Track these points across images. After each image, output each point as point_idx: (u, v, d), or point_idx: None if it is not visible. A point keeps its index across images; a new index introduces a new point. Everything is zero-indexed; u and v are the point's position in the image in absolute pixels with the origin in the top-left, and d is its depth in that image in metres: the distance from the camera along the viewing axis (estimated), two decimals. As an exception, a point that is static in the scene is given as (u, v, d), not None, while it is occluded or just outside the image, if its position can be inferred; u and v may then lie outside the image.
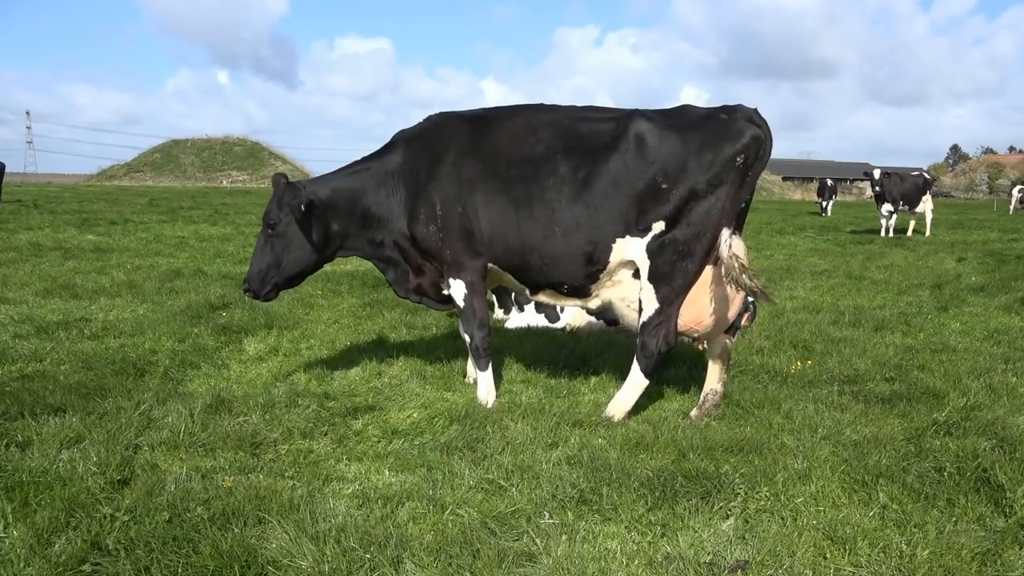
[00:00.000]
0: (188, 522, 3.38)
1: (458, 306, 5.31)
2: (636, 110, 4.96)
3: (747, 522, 3.52)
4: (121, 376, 5.67)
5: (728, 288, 4.86)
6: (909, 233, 21.66)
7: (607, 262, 4.89)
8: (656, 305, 4.82)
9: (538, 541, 3.29)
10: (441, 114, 5.45)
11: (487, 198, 4.99)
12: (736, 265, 4.61)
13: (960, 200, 67.38)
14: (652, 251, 4.75)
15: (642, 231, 4.76)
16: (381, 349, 6.75)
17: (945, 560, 3.12)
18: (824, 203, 35.39)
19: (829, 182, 36.83)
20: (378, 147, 5.60)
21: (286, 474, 4.06)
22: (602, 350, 6.66)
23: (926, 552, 3.17)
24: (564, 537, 3.34)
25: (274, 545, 3.20)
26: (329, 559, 3.09)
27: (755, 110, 4.78)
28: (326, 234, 5.36)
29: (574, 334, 7.60)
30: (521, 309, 8.16)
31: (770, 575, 3.09)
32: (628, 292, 5.01)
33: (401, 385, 5.73)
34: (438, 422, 4.85)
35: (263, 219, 5.31)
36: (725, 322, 5.06)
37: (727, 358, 5.23)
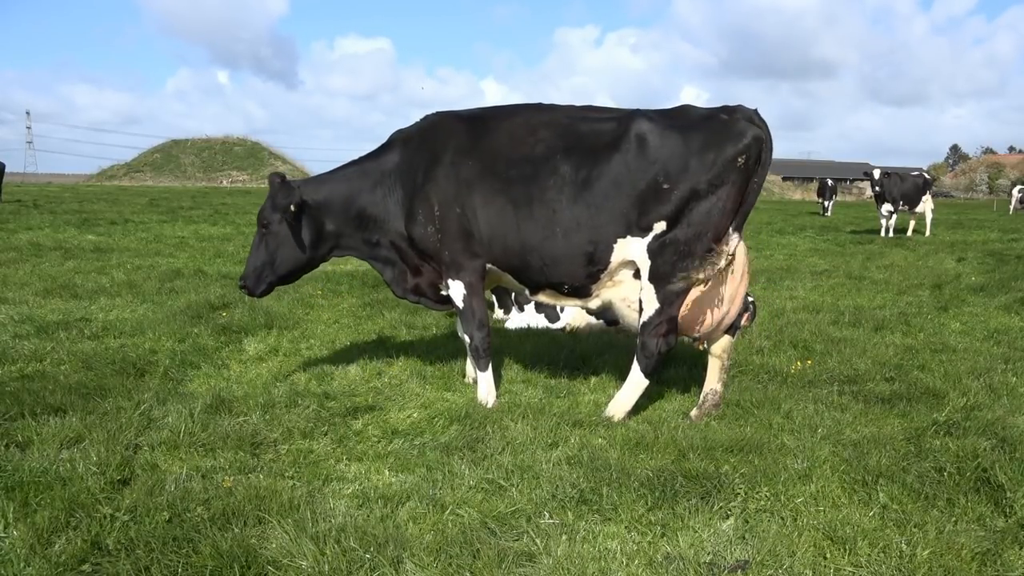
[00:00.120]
0: (188, 522, 3.38)
1: (457, 307, 5.31)
2: (637, 110, 4.96)
3: (747, 522, 3.52)
4: (121, 376, 5.67)
5: (729, 288, 4.87)
6: (909, 233, 21.67)
7: (608, 262, 4.89)
8: (656, 305, 4.81)
9: (538, 541, 3.29)
10: (438, 113, 5.43)
11: (486, 198, 4.98)
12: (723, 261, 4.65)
13: (960, 200, 67.39)
14: (653, 251, 4.75)
15: (643, 231, 4.76)
16: (381, 349, 6.75)
17: (945, 560, 3.12)
18: (826, 203, 35.38)
19: (829, 182, 36.84)
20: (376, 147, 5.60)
21: (286, 474, 4.06)
22: (602, 350, 6.66)
23: (926, 552, 3.17)
24: (564, 537, 3.34)
25: (274, 545, 3.20)
26: (329, 559, 3.09)
27: (755, 111, 4.78)
28: (319, 234, 5.38)
29: (574, 334, 7.60)
30: (521, 309, 8.17)
31: (770, 575, 3.09)
32: (629, 292, 5.01)
33: (401, 385, 5.73)
34: (438, 422, 4.85)
35: (257, 218, 5.36)
36: (728, 321, 5.06)
37: (727, 358, 5.23)
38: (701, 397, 5.18)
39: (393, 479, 4.03)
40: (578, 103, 5.28)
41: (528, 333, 7.58)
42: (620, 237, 4.81)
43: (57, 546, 3.18)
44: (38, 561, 3.07)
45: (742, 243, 4.95)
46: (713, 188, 4.64)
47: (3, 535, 3.27)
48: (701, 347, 5.38)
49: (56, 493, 3.57)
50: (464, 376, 5.91)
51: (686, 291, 4.83)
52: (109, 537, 3.25)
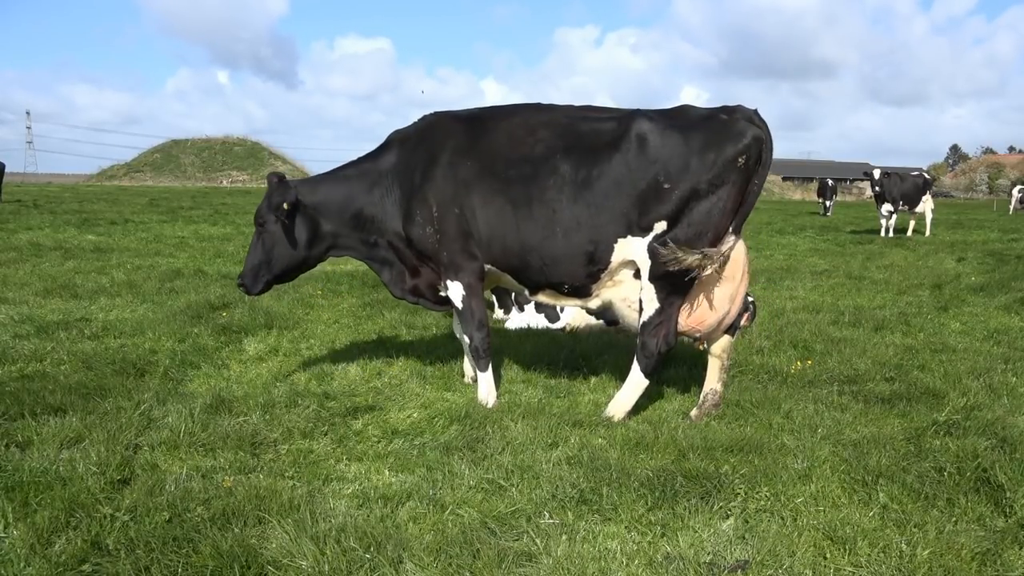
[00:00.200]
0: (188, 522, 3.38)
1: (456, 308, 5.31)
2: (637, 110, 4.95)
3: (747, 522, 3.52)
4: (121, 376, 5.67)
5: (729, 288, 4.87)
6: (909, 233, 21.67)
7: (608, 262, 4.89)
8: (657, 305, 4.81)
9: (538, 541, 3.29)
10: (436, 114, 5.42)
11: (485, 199, 4.98)
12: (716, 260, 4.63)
13: (960, 200, 67.39)
14: (653, 251, 4.75)
15: (644, 231, 4.76)
16: (381, 349, 6.75)
17: (945, 560, 3.12)
18: (827, 203, 35.34)
19: (830, 182, 36.82)
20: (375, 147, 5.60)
21: (286, 474, 4.06)
22: (602, 350, 6.66)
23: (926, 552, 3.17)
24: (564, 537, 3.34)
25: (274, 545, 3.20)
26: (329, 559, 3.09)
27: (755, 111, 4.78)
28: (315, 233, 5.40)
29: (574, 334, 7.60)
30: (521, 309, 8.17)
31: (770, 575, 3.09)
32: (629, 292, 5.00)
33: (401, 385, 5.74)
34: (438, 422, 4.85)
35: (254, 217, 5.41)
36: (728, 321, 5.06)
37: (727, 358, 5.23)
38: (701, 397, 5.18)
39: (393, 479, 4.03)
40: (578, 103, 5.28)
41: (528, 333, 7.59)
42: (621, 237, 4.81)
43: (57, 546, 3.18)
44: (38, 561, 3.07)
45: (743, 243, 4.95)
46: (713, 188, 4.64)
47: (3, 535, 3.27)
48: (701, 347, 5.38)
49: (56, 493, 3.57)
50: (463, 376, 5.91)
51: (686, 291, 4.83)
52: (109, 537, 3.25)
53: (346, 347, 6.91)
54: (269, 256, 5.39)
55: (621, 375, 5.28)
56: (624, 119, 4.85)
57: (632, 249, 4.82)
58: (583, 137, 4.87)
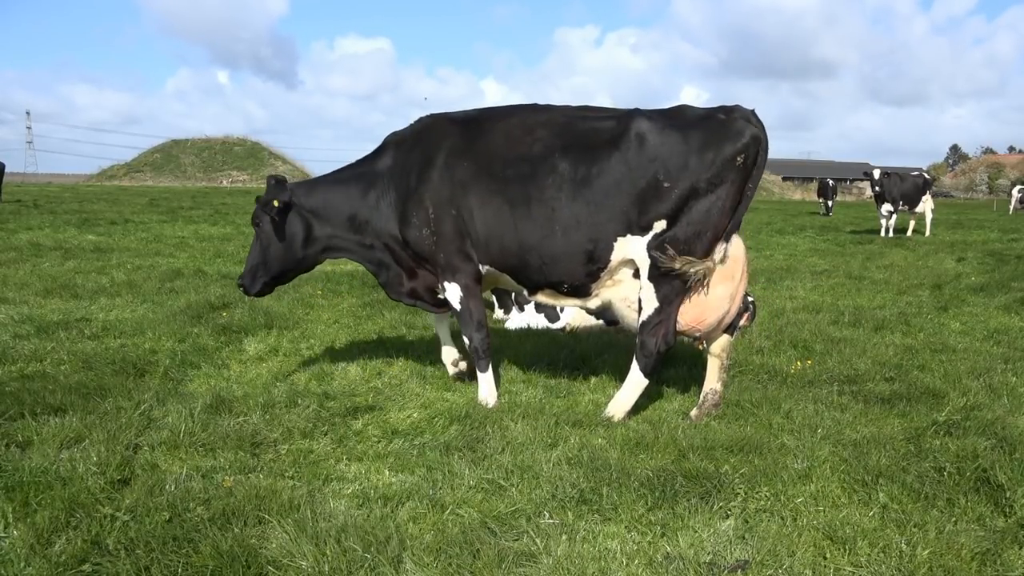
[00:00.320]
0: (188, 522, 3.38)
1: (454, 309, 5.31)
2: (635, 109, 4.96)
3: (747, 522, 3.52)
4: (121, 376, 5.67)
5: (728, 287, 4.87)
6: (909, 233, 21.67)
7: (608, 260, 4.89)
8: (656, 304, 4.81)
9: (538, 541, 3.29)
10: (432, 116, 5.44)
11: (482, 199, 4.98)
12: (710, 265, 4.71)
13: (960, 200, 67.38)
14: (653, 250, 4.75)
15: (643, 230, 4.76)
16: (381, 349, 6.76)
17: (945, 560, 3.12)
18: (829, 203, 35.28)
19: (830, 182, 36.80)
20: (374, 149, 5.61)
21: (286, 474, 4.06)
22: (602, 350, 6.66)
23: (926, 552, 3.17)
24: (564, 537, 3.34)
25: (274, 545, 3.20)
26: (329, 559, 3.09)
27: (752, 111, 4.79)
28: (310, 235, 5.45)
29: (574, 334, 7.60)
30: (521, 309, 8.17)
31: (770, 575, 3.09)
32: (628, 292, 5.00)
33: (401, 385, 5.74)
34: (438, 422, 4.85)
35: (251, 218, 5.50)
36: (728, 320, 5.06)
37: (727, 357, 5.23)
38: (701, 397, 5.18)
39: (393, 479, 4.03)
40: (578, 103, 5.29)
41: (528, 333, 7.59)
42: (620, 235, 4.81)
43: (57, 546, 3.18)
44: (38, 561, 3.07)
45: (741, 243, 4.96)
46: (713, 187, 4.65)
47: (3, 535, 3.27)
48: (701, 347, 5.39)
49: (56, 493, 3.57)
50: (456, 367, 5.87)
51: (685, 290, 4.83)
52: (109, 537, 3.25)
53: (346, 347, 6.91)
54: (266, 257, 5.47)
55: (621, 375, 5.28)
56: (623, 118, 4.86)
57: (632, 248, 4.82)
58: (582, 136, 4.88)
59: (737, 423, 4.86)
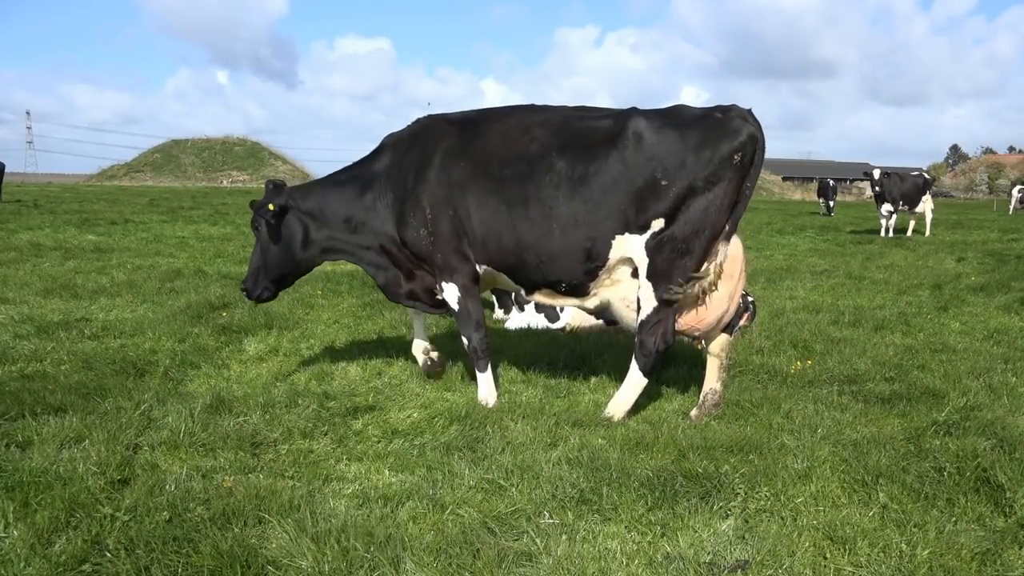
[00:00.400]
0: (188, 522, 3.38)
1: (452, 310, 5.32)
2: (632, 108, 4.97)
3: (747, 522, 3.52)
4: (121, 376, 5.67)
5: (727, 286, 4.88)
6: (909, 233, 21.66)
7: (606, 259, 4.89)
8: (654, 303, 4.82)
9: (538, 541, 3.29)
10: (429, 117, 5.46)
11: (479, 199, 4.98)
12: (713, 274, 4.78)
13: (960, 200, 67.35)
14: (651, 249, 4.76)
15: (641, 228, 4.76)
16: (381, 349, 6.76)
17: (945, 560, 3.12)
18: (831, 203, 35.21)
19: (831, 182, 36.75)
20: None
21: (286, 474, 4.06)
22: (602, 350, 6.66)
23: (926, 552, 3.17)
24: (564, 537, 3.34)
25: (274, 545, 3.21)
26: (329, 559, 3.09)
27: (749, 110, 4.81)
28: (306, 238, 5.50)
29: (574, 334, 7.60)
30: (521, 309, 8.17)
31: (770, 575, 3.09)
32: (627, 291, 5.00)
33: (401, 385, 5.74)
34: (438, 422, 4.85)
35: (251, 222, 5.57)
36: (724, 321, 5.06)
37: (726, 357, 5.23)
38: (701, 397, 5.18)
39: (393, 479, 4.03)
40: (578, 103, 5.30)
41: (528, 333, 7.59)
42: (618, 233, 4.81)
43: (57, 546, 3.18)
44: (38, 561, 3.07)
45: (740, 242, 4.96)
46: (710, 185, 4.66)
47: (3, 535, 3.27)
48: (700, 346, 5.39)
49: (56, 493, 3.57)
50: (426, 355, 5.85)
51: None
52: (109, 537, 3.25)
53: (346, 347, 6.91)
54: (265, 260, 5.53)
55: (621, 375, 5.28)
56: (620, 117, 4.87)
57: (630, 246, 4.82)
58: (579, 135, 4.89)
59: (737, 423, 4.86)
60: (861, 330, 7.80)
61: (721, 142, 4.64)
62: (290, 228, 5.46)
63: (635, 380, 4.98)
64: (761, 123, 4.76)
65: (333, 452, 4.41)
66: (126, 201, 33.01)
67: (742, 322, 7.33)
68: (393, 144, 5.45)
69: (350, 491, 3.86)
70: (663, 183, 4.67)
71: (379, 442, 4.56)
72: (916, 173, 23.46)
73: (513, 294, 8.20)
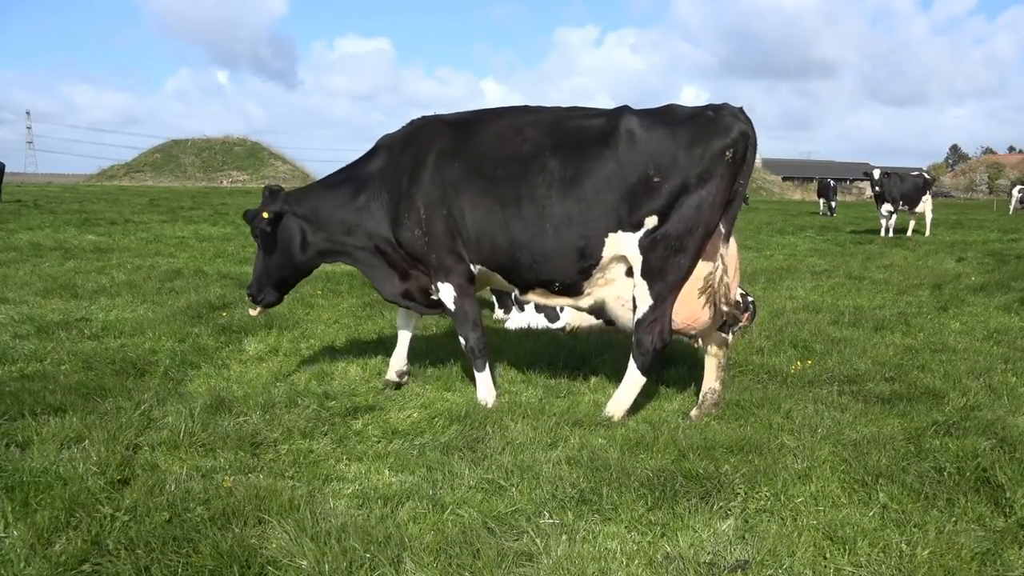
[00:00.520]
0: (188, 522, 3.38)
1: (449, 310, 5.33)
2: (624, 106, 4.99)
3: (747, 522, 3.52)
4: (121, 376, 5.67)
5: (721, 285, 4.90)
6: (909, 233, 21.66)
7: (600, 257, 4.90)
8: (650, 301, 4.83)
9: (538, 541, 3.29)
10: (423, 118, 5.50)
11: (473, 199, 5.00)
12: (720, 280, 4.87)
13: (960, 200, 67.35)
14: (645, 247, 4.77)
15: (634, 226, 4.78)
16: (381, 349, 6.75)
17: (945, 560, 3.12)
18: (832, 203, 35.14)
19: (831, 182, 36.72)
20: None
21: (286, 474, 4.06)
22: (602, 350, 6.66)
23: (926, 552, 3.17)
24: (564, 537, 3.34)
25: (274, 545, 3.21)
26: (329, 559, 3.09)
27: (740, 108, 4.84)
28: (303, 241, 5.53)
29: (574, 334, 7.60)
30: (521, 309, 8.16)
31: (770, 575, 3.09)
32: (622, 291, 5.02)
33: (401, 385, 5.73)
34: (438, 422, 4.85)
35: (250, 230, 5.61)
36: (719, 319, 5.06)
37: (724, 356, 5.23)
38: (700, 397, 5.18)
39: (393, 479, 4.03)
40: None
41: (528, 333, 7.58)
42: (611, 231, 4.82)
43: (57, 546, 3.18)
44: (38, 561, 3.07)
45: (733, 241, 4.98)
46: (703, 182, 4.68)
47: (3, 535, 3.27)
48: (696, 345, 5.40)
49: (56, 493, 3.57)
50: (397, 377, 5.77)
51: (679, 287, 4.84)
52: (109, 537, 3.25)
53: (346, 347, 6.91)
54: (266, 265, 5.60)
55: (621, 375, 5.27)
56: (612, 115, 4.90)
57: (623, 244, 4.83)
58: (571, 134, 4.91)
59: (737, 423, 4.86)
60: (861, 330, 7.80)
61: (713, 139, 4.67)
62: (288, 233, 5.50)
63: (634, 379, 4.98)
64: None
65: (333, 452, 4.41)
66: (126, 201, 33.01)
67: (742, 322, 7.33)
68: (388, 146, 5.49)
69: (350, 491, 3.86)
70: (655, 180, 4.69)
71: (379, 442, 4.57)
72: (916, 173, 23.45)
73: (513, 294, 8.19)
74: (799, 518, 3.52)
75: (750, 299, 7.60)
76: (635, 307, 4.90)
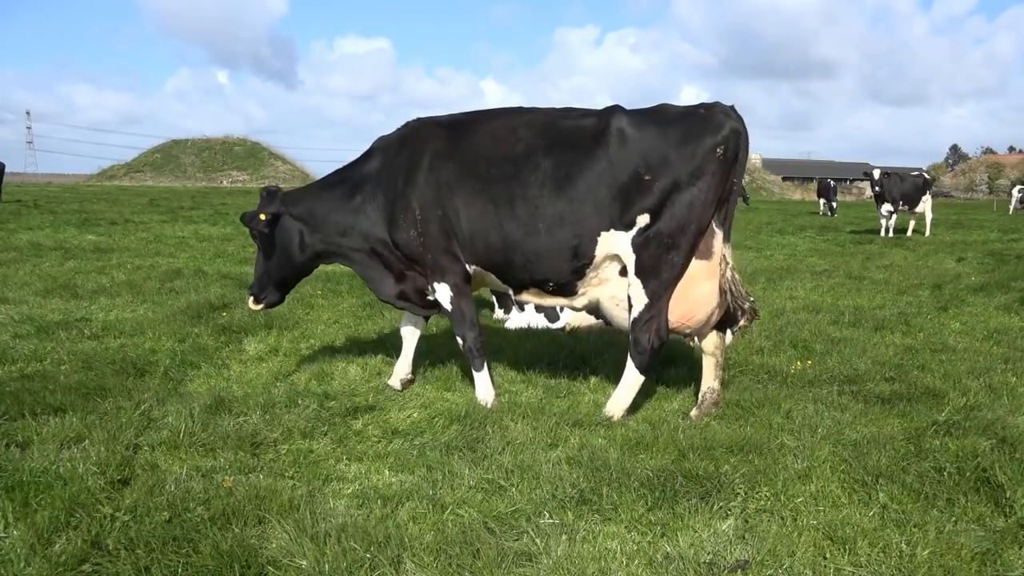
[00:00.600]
0: (188, 522, 3.38)
1: (446, 310, 5.35)
2: (615, 106, 5.02)
3: (747, 522, 3.52)
4: (121, 376, 5.67)
5: (714, 284, 4.90)
6: (909, 233, 21.65)
7: (592, 256, 4.91)
8: (645, 300, 4.84)
9: (538, 541, 3.29)
10: (419, 119, 5.53)
11: (467, 199, 5.02)
12: (730, 279, 4.91)
13: (960, 200, 67.31)
14: (638, 245, 4.78)
15: (627, 225, 4.79)
16: (381, 349, 6.75)
17: (945, 560, 3.13)
18: (833, 203, 35.09)
19: (831, 182, 36.68)
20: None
21: (286, 474, 4.06)
22: (602, 350, 6.66)
23: (926, 552, 3.17)
24: (564, 537, 3.34)
25: (274, 545, 3.21)
26: (329, 559, 3.09)
27: (732, 107, 4.86)
28: (301, 242, 5.55)
29: (574, 334, 7.60)
30: (521, 309, 8.16)
31: (770, 575, 3.09)
32: (616, 290, 5.03)
33: (401, 385, 5.73)
34: (438, 422, 4.85)
35: (249, 232, 5.63)
36: (715, 317, 5.06)
37: (721, 355, 5.23)
38: (700, 396, 5.18)
39: (393, 479, 4.03)
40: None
41: (528, 333, 7.58)
42: (603, 230, 4.84)
43: (57, 546, 3.18)
44: (38, 561, 3.07)
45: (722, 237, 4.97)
46: (694, 179, 4.69)
47: (3, 535, 3.27)
48: (692, 344, 5.38)
49: (56, 493, 3.57)
50: (400, 383, 5.75)
51: (674, 284, 4.85)
52: (109, 537, 3.25)
53: (346, 347, 6.91)
54: (265, 265, 5.62)
55: (621, 374, 5.28)
56: (603, 115, 4.93)
57: (616, 243, 4.84)
58: (564, 134, 4.94)
59: (737, 423, 4.86)
60: (861, 330, 7.80)
61: (703, 136, 4.69)
62: (286, 234, 5.53)
63: (632, 378, 4.99)
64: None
65: (333, 452, 4.41)
66: (126, 201, 33.01)
67: (742, 322, 7.32)
68: (383, 148, 5.52)
69: (350, 491, 3.86)
70: (647, 179, 4.71)
71: (379, 442, 4.57)
72: (916, 173, 23.44)
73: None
74: (799, 518, 3.52)
75: (751, 299, 7.58)
76: (631, 306, 4.91)
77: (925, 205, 21.72)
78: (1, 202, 26.97)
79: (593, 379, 5.93)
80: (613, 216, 4.79)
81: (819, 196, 37.34)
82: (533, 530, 3.39)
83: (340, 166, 5.76)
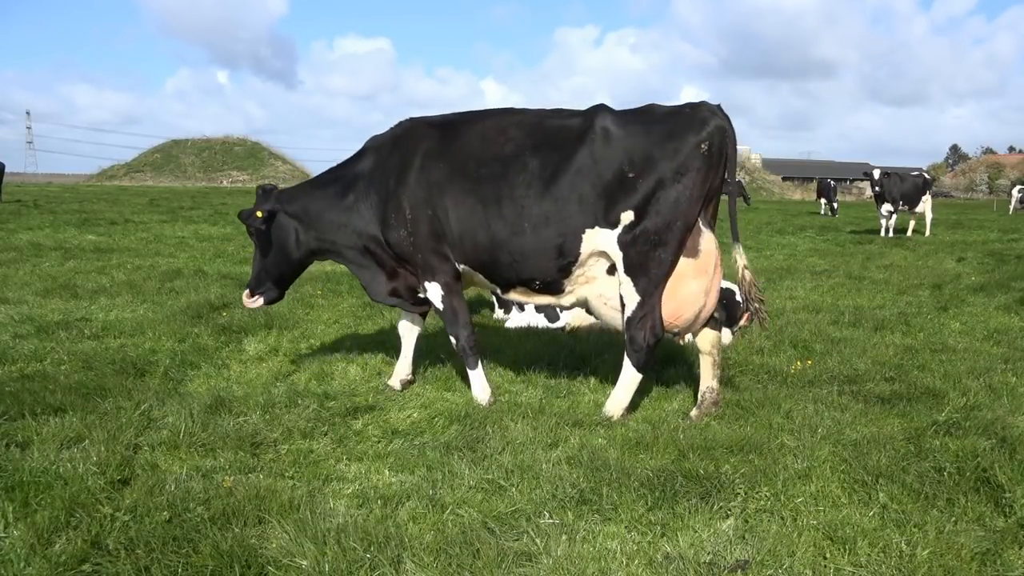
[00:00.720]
0: (188, 522, 3.38)
1: (437, 309, 5.37)
2: (600, 104, 5.04)
3: (747, 522, 3.52)
4: (121, 376, 5.67)
5: (703, 282, 4.91)
6: (909, 233, 21.64)
7: (578, 254, 4.93)
8: (637, 298, 4.85)
9: (538, 541, 3.29)
10: (411, 119, 5.56)
11: (456, 199, 5.06)
12: (748, 281, 5.00)
13: (960, 200, 67.29)
14: (625, 243, 4.79)
15: (612, 223, 4.81)
16: (381, 349, 6.75)
17: (945, 560, 3.13)
18: (834, 203, 35.06)
19: (831, 182, 36.66)
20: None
21: (286, 474, 4.06)
22: (602, 350, 6.66)
23: (926, 552, 3.17)
24: (564, 537, 3.34)
25: (274, 545, 3.21)
26: (329, 559, 3.09)
27: (718, 105, 4.89)
28: (296, 239, 5.60)
29: (574, 334, 7.60)
30: (521, 309, 8.17)
31: (770, 575, 3.09)
32: (604, 289, 5.04)
33: (401, 385, 5.73)
34: (438, 422, 4.85)
35: (246, 229, 5.68)
36: (705, 315, 5.06)
37: (717, 354, 5.23)
38: (699, 396, 5.18)
39: (393, 479, 4.03)
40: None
41: (528, 333, 7.58)
42: (588, 227, 4.86)
43: (57, 546, 3.18)
44: (38, 561, 3.07)
45: (713, 238, 4.99)
46: (679, 176, 4.71)
47: (3, 535, 3.27)
48: (682, 342, 5.39)
49: (56, 493, 3.58)
50: (400, 383, 5.74)
51: (665, 281, 4.87)
52: (109, 537, 3.25)
53: (346, 347, 6.91)
54: (264, 263, 5.67)
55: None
56: (589, 114, 4.96)
57: (601, 241, 4.86)
58: (550, 133, 4.98)
59: (737, 423, 4.86)
60: (861, 330, 7.80)
61: (687, 133, 4.72)
62: (282, 231, 5.58)
63: (630, 377, 4.99)
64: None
65: (333, 452, 4.41)
66: (126, 201, 33.00)
67: (742, 322, 7.33)
68: (375, 147, 5.55)
69: (350, 491, 3.86)
70: (630, 176, 4.73)
71: (379, 442, 4.57)
72: (916, 173, 23.42)
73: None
74: (799, 518, 3.52)
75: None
76: (623, 305, 4.92)
77: (925, 205, 21.71)
78: (1, 202, 26.96)
79: (593, 379, 5.92)
80: (598, 214, 4.82)
81: (819, 196, 37.31)
82: (533, 530, 3.39)
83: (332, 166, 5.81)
